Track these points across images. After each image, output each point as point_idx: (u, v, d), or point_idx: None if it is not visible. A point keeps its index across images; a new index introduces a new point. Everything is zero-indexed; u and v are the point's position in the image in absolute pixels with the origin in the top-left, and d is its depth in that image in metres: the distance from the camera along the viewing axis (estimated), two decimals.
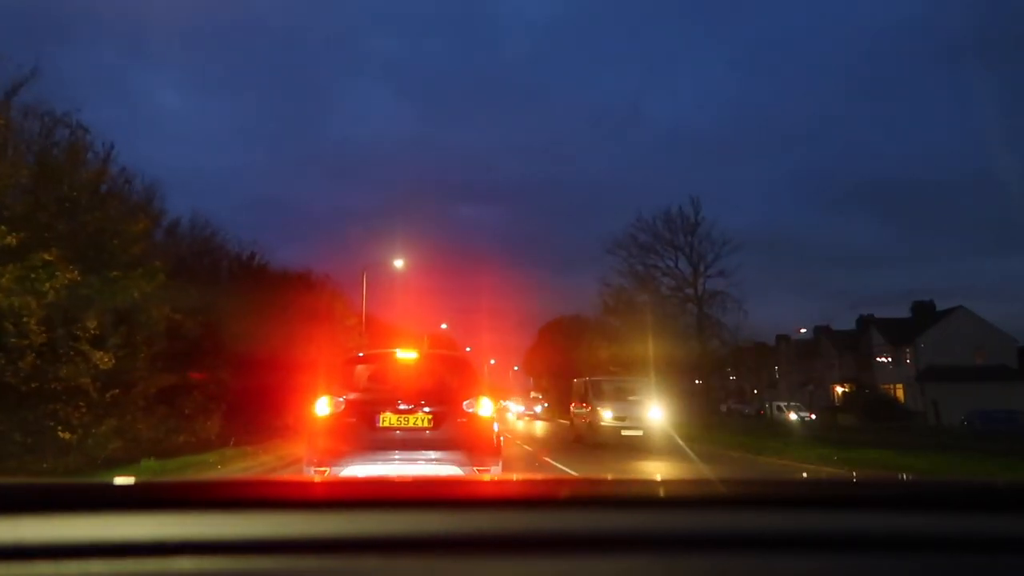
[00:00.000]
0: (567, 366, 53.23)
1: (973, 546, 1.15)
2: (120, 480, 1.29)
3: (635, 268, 32.03)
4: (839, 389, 61.76)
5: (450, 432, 7.01)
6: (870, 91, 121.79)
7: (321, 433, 7.08)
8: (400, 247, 31.46)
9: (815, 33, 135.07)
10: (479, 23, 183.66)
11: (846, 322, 63.75)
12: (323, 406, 7.14)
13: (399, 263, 30.88)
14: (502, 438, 8.17)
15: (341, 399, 7.16)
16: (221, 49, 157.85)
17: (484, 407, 7.31)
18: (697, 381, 45.80)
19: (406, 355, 7.90)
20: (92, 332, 11.98)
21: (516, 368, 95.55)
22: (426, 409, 7.02)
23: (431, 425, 7.00)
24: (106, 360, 11.80)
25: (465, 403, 7.24)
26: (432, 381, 8.03)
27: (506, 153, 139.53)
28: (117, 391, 12.86)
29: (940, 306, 57.20)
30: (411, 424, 6.98)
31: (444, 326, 58.68)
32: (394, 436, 6.92)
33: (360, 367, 8.03)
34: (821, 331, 65.94)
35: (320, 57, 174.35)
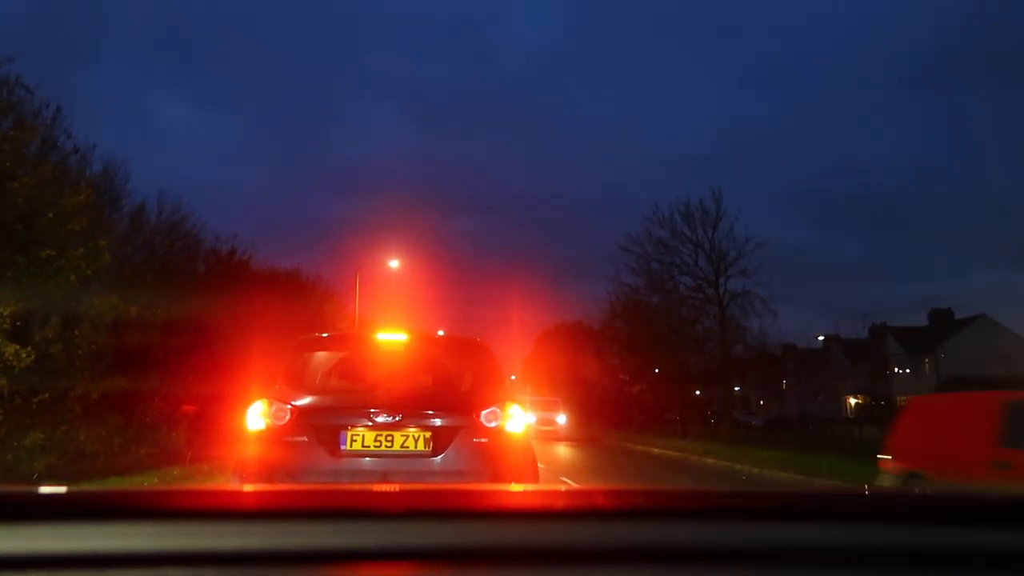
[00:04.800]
0: (569, 374, 50.89)
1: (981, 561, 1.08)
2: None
3: (650, 266, 29.75)
4: (852, 400, 59.54)
5: (462, 461, 4.47)
6: (859, 106, 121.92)
7: (251, 460, 4.52)
8: (398, 256, 30.21)
9: (806, 55, 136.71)
10: (480, 42, 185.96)
11: (851, 332, 61.66)
12: (256, 417, 4.56)
13: (394, 263, 30.56)
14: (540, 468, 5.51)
15: (286, 405, 4.53)
16: (230, 67, 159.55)
17: (514, 419, 4.70)
18: (697, 392, 43.52)
19: (390, 337, 5.35)
20: (10, 322, 9.63)
21: (513, 377, 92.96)
22: (423, 422, 4.52)
23: (431, 449, 4.47)
24: (23, 356, 9.41)
25: (484, 413, 4.63)
26: (431, 378, 5.60)
27: (503, 167, 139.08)
28: (46, 395, 10.53)
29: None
30: (397, 447, 4.44)
31: (441, 332, 56.73)
32: (368, 467, 4.41)
33: (320, 355, 5.36)
34: (831, 340, 63.65)
35: (326, 74, 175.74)
